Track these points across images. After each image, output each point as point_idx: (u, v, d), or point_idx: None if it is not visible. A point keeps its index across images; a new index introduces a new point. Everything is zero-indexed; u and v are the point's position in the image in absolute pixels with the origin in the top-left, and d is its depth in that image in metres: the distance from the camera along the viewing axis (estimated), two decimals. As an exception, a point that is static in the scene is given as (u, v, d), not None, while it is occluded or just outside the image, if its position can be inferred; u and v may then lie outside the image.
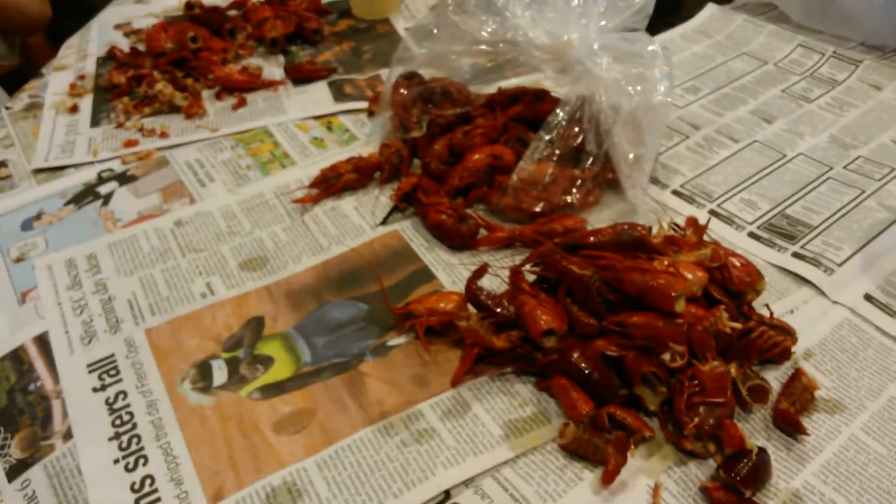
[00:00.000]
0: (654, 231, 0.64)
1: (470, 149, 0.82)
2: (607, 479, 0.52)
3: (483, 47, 0.87)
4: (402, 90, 0.90)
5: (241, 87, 1.01)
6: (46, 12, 1.28)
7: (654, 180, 0.83)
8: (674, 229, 0.67)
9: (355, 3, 1.22)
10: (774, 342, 0.59)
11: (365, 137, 0.92)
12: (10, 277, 0.74)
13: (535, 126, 0.81)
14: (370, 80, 1.04)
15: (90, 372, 0.63)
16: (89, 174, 0.87)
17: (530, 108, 0.85)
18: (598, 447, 0.53)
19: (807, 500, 0.52)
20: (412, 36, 0.94)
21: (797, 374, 0.57)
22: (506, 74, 0.89)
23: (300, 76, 1.03)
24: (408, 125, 0.87)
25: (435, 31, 0.91)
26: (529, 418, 0.57)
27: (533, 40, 0.82)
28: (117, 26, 1.20)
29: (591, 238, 0.62)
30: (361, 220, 0.79)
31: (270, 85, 1.02)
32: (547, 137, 0.79)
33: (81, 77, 1.07)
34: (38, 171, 0.89)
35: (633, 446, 0.54)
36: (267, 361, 0.63)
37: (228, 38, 1.10)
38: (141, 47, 1.10)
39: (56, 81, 1.06)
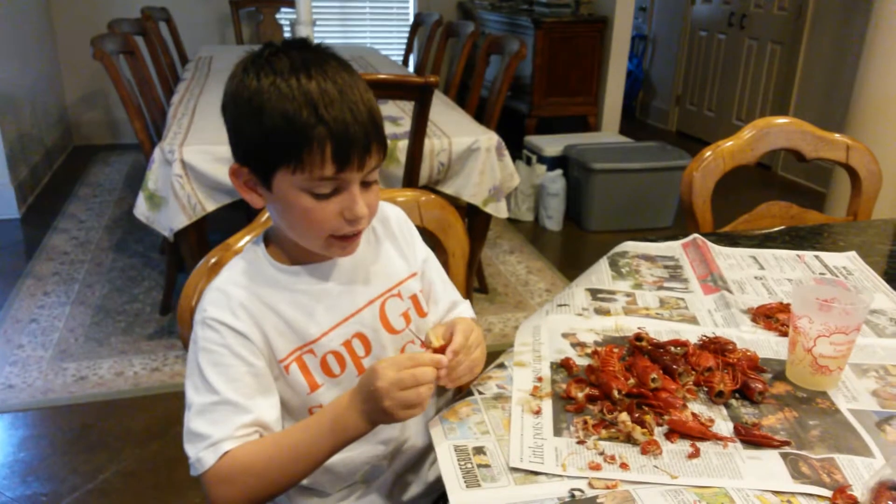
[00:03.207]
0: None
1: None
2: None
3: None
4: (883, 498, 0.87)
5: (693, 435, 1.06)
6: None
7: None
8: None
9: (791, 370, 1.25)
10: None
11: (834, 535, 0.89)
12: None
13: None
14: (823, 462, 1.02)
15: None
16: (561, 489, 0.95)
17: None
18: None
19: None
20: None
21: None
22: None
23: (751, 440, 1.06)
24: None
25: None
26: None
27: None
28: (564, 335, 1.37)
29: None
30: None
31: (720, 440, 1.06)
32: None
33: (539, 379, 1.22)
34: (514, 469, 1.00)
35: None
36: None
37: (678, 380, 1.19)
38: (591, 361, 1.24)
39: (519, 378, 1.22)
